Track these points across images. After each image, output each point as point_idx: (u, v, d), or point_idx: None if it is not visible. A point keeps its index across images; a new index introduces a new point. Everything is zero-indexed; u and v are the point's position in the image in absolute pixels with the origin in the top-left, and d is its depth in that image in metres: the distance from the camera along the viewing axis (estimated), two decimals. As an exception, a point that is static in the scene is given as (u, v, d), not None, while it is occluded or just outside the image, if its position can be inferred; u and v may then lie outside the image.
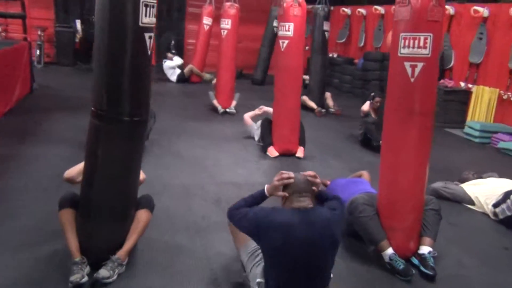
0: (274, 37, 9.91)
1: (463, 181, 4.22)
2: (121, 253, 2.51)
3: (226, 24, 6.85)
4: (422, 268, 2.80)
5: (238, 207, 2.34)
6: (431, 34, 2.65)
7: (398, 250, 2.85)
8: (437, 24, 2.68)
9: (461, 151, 5.99)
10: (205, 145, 5.31)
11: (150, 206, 2.73)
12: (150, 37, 2.43)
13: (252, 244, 2.45)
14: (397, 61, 2.77)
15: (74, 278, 2.31)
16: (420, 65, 2.69)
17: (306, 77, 8.06)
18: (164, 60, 9.88)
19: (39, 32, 9.97)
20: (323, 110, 7.60)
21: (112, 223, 2.54)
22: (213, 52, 9.77)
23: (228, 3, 6.94)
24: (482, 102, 6.84)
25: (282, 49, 4.95)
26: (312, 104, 7.60)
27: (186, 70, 9.78)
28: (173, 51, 10.32)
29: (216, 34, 9.24)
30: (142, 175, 2.87)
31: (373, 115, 5.92)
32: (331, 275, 2.32)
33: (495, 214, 3.72)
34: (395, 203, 2.90)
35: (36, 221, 3.11)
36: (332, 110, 7.75)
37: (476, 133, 6.43)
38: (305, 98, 7.39)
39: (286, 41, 4.89)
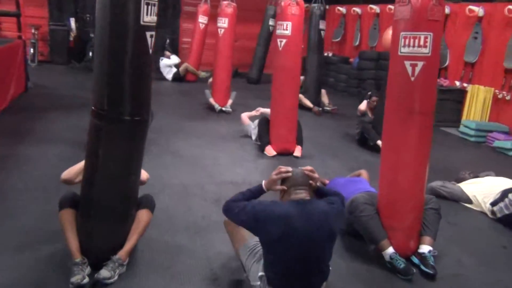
0: (269, 36, 9.92)
1: (460, 180, 4.24)
2: (122, 253, 2.50)
3: (223, 23, 6.84)
4: (422, 267, 2.81)
5: (236, 200, 2.34)
6: (431, 33, 2.66)
7: (399, 249, 2.85)
8: (437, 23, 2.68)
9: (457, 150, 6.02)
10: (203, 144, 5.30)
11: (151, 206, 2.71)
12: (151, 36, 2.42)
13: (250, 243, 2.46)
14: (397, 60, 2.77)
15: (75, 279, 2.29)
16: (420, 64, 2.69)
17: (301, 77, 8.05)
18: (161, 58, 9.84)
19: (33, 31, 9.88)
20: (320, 109, 7.61)
21: (112, 223, 2.52)
22: (209, 51, 9.80)
23: (225, 2, 6.93)
24: (477, 101, 6.88)
25: (280, 48, 4.94)
26: (308, 103, 7.61)
27: (181, 69, 9.76)
28: (170, 50, 10.30)
29: (211, 33, 9.29)
30: (145, 175, 2.85)
31: (370, 114, 5.94)
32: (330, 268, 2.34)
33: (493, 212, 3.75)
34: (396, 202, 2.91)
35: (35, 221, 3.09)
36: (328, 108, 7.76)
37: (472, 132, 6.46)
38: (301, 97, 7.38)
39: (284, 40, 4.88)
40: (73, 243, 2.45)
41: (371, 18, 9.93)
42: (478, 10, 6.84)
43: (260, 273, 2.29)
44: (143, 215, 2.63)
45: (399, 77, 2.78)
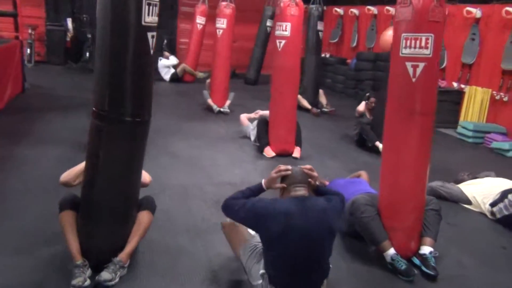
0: (267, 37, 9.93)
1: (458, 182, 4.25)
2: (123, 255, 2.48)
3: (222, 23, 6.83)
4: (423, 268, 2.81)
5: (236, 198, 2.36)
6: (432, 35, 2.67)
7: (399, 250, 2.85)
8: (438, 24, 2.69)
9: (455, 151, 6.04)
10: (201, 145, 5.29)
11: (152, 208, 2.70)
12: (152, 36, 2.41)
13: (250, 244, 2.47)
14: (399, 61, 2.78)
15: (76, 281, 2.28)
16: (421, 65, 2.70)
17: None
18: (159, 58, 9.81)
19: (29, 31, 9.83)
20: (319, 110, 7.62)
21: (113, 224, 2.51)
22: (207, 52, 9.78)
23: (224, 3, 6.92)
24: (475, 102, 6.90)
25: (279, 49, 4.93)
26: (306, 104, 7.60)
27: (178, 70, 9.74)
28: (169, 51, 10.28)
29: (209, 34, 9.28)
30: (148, 178, 2.84)
31: (368, 115, 5.95)
32: (330, 266, 2.35)
33: (492, 213, 3.75)
34: (397, 203, 2.91)
35: (35, 222, 3.07)
36: (326, 109, 7.77)
37: (469, 133, 6.48)
38: (299, 98, 7.37)
39: (283, 41, 4.88)
40: (74, 245, 2.43)
41: (368, 19, 9.95)
42: (476, 11, 6.87)
43: (262, 271, 2.30)
44: (144, 217, 2.62)
45: (400, 78, 2.78)
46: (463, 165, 5.10)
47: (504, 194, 3.72)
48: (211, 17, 8.81)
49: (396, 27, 2.80)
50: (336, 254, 2.93)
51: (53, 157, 4.39)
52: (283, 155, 5.05)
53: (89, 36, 10.17)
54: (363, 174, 3.93)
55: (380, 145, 5.28)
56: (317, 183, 2.45)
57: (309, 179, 2.38)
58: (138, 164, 2.55)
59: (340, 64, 10.34)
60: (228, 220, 2.69)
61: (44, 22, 10.49)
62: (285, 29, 4.87)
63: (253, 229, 2.36)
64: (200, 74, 9.75)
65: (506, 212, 3.63)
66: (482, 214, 3.87)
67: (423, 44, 2.66)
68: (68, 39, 10.55)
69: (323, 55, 10.35)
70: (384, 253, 2.85)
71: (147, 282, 2.53)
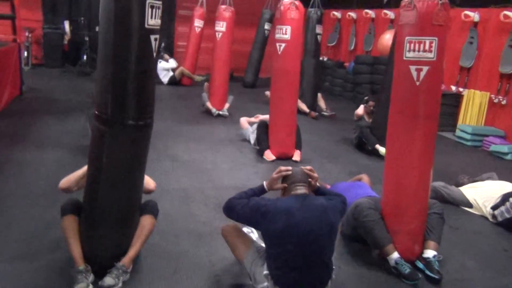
0: (265, 40, 9.93)
1: (458, 185, 4.25)
2: (126, 260, 2.46)
3: (221, 26, 6.82)
4: (427, 272, 2.80)
5: (239, 198, 2.43)
6: (436, 38, 2.67)
7: (403, 254, 2.84)
8: (442, 28, 2.69)
9: (454, 155, 6.04)
10: (201, 149, 5.27)
11: (155, 212, 2.68)
12: (155, 39, 2.39)
13: (253, 250, 2.47)
14: (402, 65, 2.77)
15: (79, 287, 2.25)
16: (425, 68, 2.70)
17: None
18: (159, 60, 9.78)
19: (26, 34, 9.78)
20: (317, 114, 7.62)
21: (116, 229, 2.48)
22: (205, 55, 9.77)
23: (223, 6, 6.91)
24: (473, 105, 6.91)
25: (279, 52, 4.92)
26: (304, 108, 7.59)
27: (177, 73, 9.71)
28: (168, 53, 10.26)
29: (206, 37, 9.27)
30: (152, 184, 2.81)
31: (366, 118, 5.95)
32: (334, 267, 2.36)
33: (493, 216, 3.76)
34: (400, 207, 2.90)
35: (35, 228, 3.04)
36: (326, 113, 7.76)
37: (468, 137, 6.50)
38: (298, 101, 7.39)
39: (283, 44, 4.87)
40: (76, 250, 2.40)
41: (366, 23, 9.97)
42: (474, 15, 6.90)
43: (265, 272, 2.32)
44: (146, 221, 2.59)
45: (404, 82, 2.78)
46: (462, 168, 5.11)
47: (505, 198, 3.72)
48: (209, 20, 8.83)
49: (400, 30, 2.80)
50: (340, 258, 2.93)
51: (51, 160, 4.36)
52: (283, 158, 5.03)
53: (87, 39, 10.12)
54: (365, 178, 3.92)
55: (380, 148, 5.28)
56: (318, 184, 2.51)
57: (309, 179, 2.45)
58: (141, 167, 2.53)
59: (338, 67, 10.35)
60: (229, 223, 2.69)
61: (41, 25, 10.43)
62: (285, 33, 4.86)
63: (255, 227, 2.43)
64: (198, 78, 9.73)
65: (507, 215, 3.63)
66: (483, 217, 3.87)
67: (427, 47, 2.66)
68: (65, 42, 10.49)
69: (321, 58, 10.36)
70: (388, 257, 2.84)
71: (150, 287, 2.51)
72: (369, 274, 2.85)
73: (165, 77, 9.72)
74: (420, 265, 2.87)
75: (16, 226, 3.05)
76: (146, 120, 2.43)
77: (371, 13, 9.68)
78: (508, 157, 5.86)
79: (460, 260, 3.13)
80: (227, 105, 7.13)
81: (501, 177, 4.31)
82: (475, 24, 6.95)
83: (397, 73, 2.84)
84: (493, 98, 6.62)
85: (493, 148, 6.08)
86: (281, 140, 5.05)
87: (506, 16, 6.34)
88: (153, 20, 2.35)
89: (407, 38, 2.72)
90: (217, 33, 6.88)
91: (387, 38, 8.18)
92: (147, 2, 2.27)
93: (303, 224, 2.21)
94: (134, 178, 2.50)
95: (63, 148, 4.73)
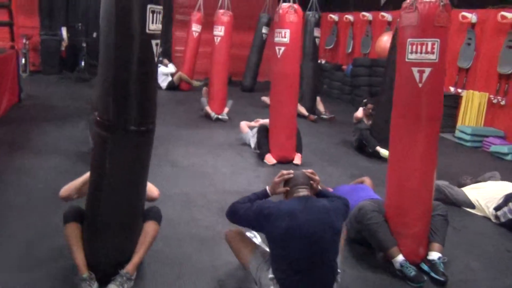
0: (263, 44, 9.93)
1: (461, 186, 4.24)
2: (130, 267, 2.44)
3: (219, 31, 6.82)
4: (432, 274, 2.79)
5: (242, 202, 2.45)
6: (438, 40, 2.66)
7: (408, 257, 2.83)
8: (444, 29, 2.69)
9: (454, 156, 6.04)
10: (202, 153, 5.25)
11: (158, 218, 2.65)
12: (157, 44, 2.37)
13: (258, 254, 2.47)
14: (405, 67, 2.77)
15: (83, 294, 2.23)
16: (427, 70, 2.69)
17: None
18: (158, 65, 9.76)
19: (24, 40, 9.75)
20: (316, 117, 7.62)
21: (119, 236, 2.46)
22: (203, 60, 9.77)
23: (221, 10, 6.91)
24: (472, 106, 6.92)
25: (279, 56, 4.92)
26: (303, 111, 7.58)
27: (175, 78, 9.71)
28: (167, 58, 10.25)
29: (204, 41, 9.26)
30: (156, 191, 2.79)
31: (365, 121, 5.94)
32: (339, 270, 2.35)
33: (496, 217, 3.75)
34: (404, 209, 2.89)
35: (37, 235, 3.00)
36: (325, 116, 7.76)
37: (468, 137, 6.50)
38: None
39: (283, 48, 4.86)
40: (80, 258, 2.38)
41: (363, 25, 9.99)
42: (471, 16, 6.91)
43: (270, 275, 2.31)
44: (150, 227, 2.57)
45: (406, 84, 2.77)
46: (463, 169, 5.11)
47: (508, 198, 3.72)
48: (206, 25, 8.83)
49: (402, 33, 2.80)
50: (345, 261, 2.90)
51: (51, 167, 4.33)
52: (284, 162, 5.02)
53: (84, 45, 10.10)
54: (367, 180, 3.90)
55: (381, 150, 5.27)
56: (319, 187, 2.53)
57: (311, 182, 2.47)
58: (144, 173, 2.51)
59: (336, 70, 10.36)
60: (233, 228, 2.67)
61: (39, 32, 10.40)
62: (284, 36, 4.86)
63: (259, 231, 2.45)
64: (196, 83, 9.72)
65: (510, 216, 3.63)
66: (486, 218, 3.87)
67: (429, 49, 2.66)
68: (63, 48, 10.46)
69: (319, 61, 10.38)
70: (392, 260, 2.83)
71: (154, 293, 2.49)
72: (374, 277, 2.84)
73: (163, 82, 9.71)
74: (425, 267, 2.86)
75: (17, 234, 3.02)
76: (148, 125, 2.42)
77: (368, 15, 9.70)
78: (508, 157, 5.86)
79: (464, 261, 3.12)
80: (226, 110, 7.12)
81: (502, 178, 4.31)
82: (473, 25, 6.97)
83: (399, 75, 2.84)
84: (492, 98, 6.63)
85: (493, 148, 6.09)
86: (281, 144, 5.04)
87: (503, 17, 6.36)
88: (154, 25, 2.34)
89: (409, 40, 2.71)
90: (215, 38, 6.88)
91: (385, 40, 8.21)
92: (148, 7, 2.26)
93: (306, 226, 2.23)
94: (137, 184, 2.48)
95: (61, 154, 4.71)
